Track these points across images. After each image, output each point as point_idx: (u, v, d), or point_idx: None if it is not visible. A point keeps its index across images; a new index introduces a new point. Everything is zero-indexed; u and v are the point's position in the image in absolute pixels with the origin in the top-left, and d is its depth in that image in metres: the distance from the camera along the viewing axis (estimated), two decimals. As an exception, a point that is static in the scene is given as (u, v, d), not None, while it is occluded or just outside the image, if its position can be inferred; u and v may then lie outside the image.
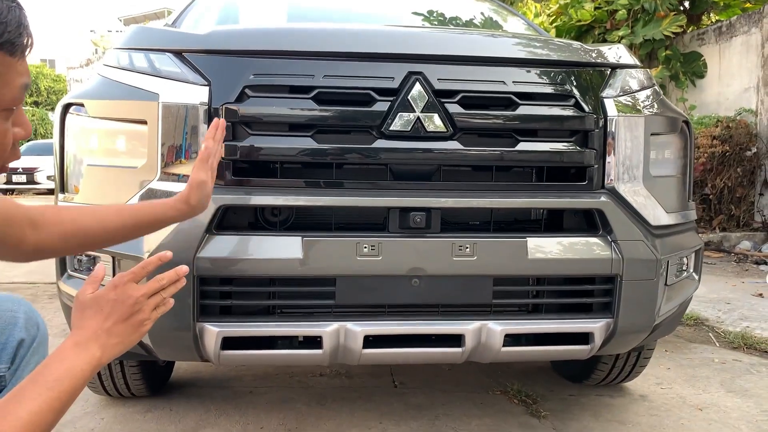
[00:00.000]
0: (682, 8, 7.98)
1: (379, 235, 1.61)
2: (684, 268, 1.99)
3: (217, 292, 1.61)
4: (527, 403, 2.40)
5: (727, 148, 6.36)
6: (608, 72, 1.89)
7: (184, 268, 1.08)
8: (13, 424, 0.82)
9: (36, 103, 29.56)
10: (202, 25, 2.71)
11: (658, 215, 1.82)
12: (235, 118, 1.60)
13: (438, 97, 1.64)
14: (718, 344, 3.26)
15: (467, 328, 1.66)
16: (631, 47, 7.99)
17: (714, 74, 7.39)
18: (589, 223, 1.76)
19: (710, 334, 3.43)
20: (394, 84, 1.63)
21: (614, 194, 1.75)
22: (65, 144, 1.82)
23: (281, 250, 1.57)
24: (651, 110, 1.89)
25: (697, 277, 2.06)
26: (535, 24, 3.30)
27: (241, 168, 1.63)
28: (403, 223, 1.62)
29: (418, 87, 1.63)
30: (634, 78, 1.94)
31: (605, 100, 1.78)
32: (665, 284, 1.84)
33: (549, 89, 1.73)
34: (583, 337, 1.74)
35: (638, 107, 1.85)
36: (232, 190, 1.60)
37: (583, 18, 8.36)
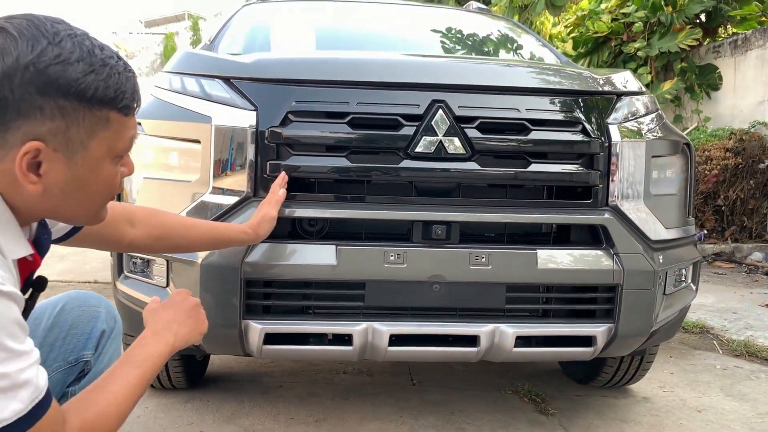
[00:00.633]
0: (698, 21, 8.10)
1: (404, 245, 1.81)
2: (682, 279, 2.17)
3: (261, 293, 1.82)
4: (536, 401, 2.58)
5: (740, 160, 6.48)
6: (614, 98, 2.07)
7: None
8: (109, 397, 1.02)
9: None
10: (237, 46, 2.93)
11: (657, 230, 2.00)
12: (279, 140, 1.81)
13: (458, 123, 1.84)
14: (721, 351, 3.42)
15: (482, 329, 1.85)
16: (646, 59, 8.14)
17: (729, 87, 7.51)
18: (594, 237, 1.95)
19: (714, 341, 3.58)
20: (420, 111, 1.83)
21: (617, 211, 1.93)
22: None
23: (317, 256, 1.78)
24: (653, 134, 2.07)
25: (694, 288, 2.24)
26: (548, 44, 3.49)
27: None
28: (425, 235, 1.82)
29: (440, 113, 1.83)
30: (638, 104, 2.12)
31: (610, 126, 1.97)
32: (663, 293, 2.02)
33: (559, 116, 1.92)
34: (587, 340, 1.92)
35: (641, 132, 2.04)
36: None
37: (599, 30, 8.51)
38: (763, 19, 7.99)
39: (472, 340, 1.87)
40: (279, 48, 2.83)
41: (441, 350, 1.89)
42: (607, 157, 1.94)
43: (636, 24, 7.95)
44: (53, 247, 1.25)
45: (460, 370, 2.96)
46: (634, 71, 8.26)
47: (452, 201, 1.87)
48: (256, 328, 1.78)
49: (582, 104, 1.98)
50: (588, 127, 1.93)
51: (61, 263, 5.48)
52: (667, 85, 7.81)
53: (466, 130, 1.84)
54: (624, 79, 2.19)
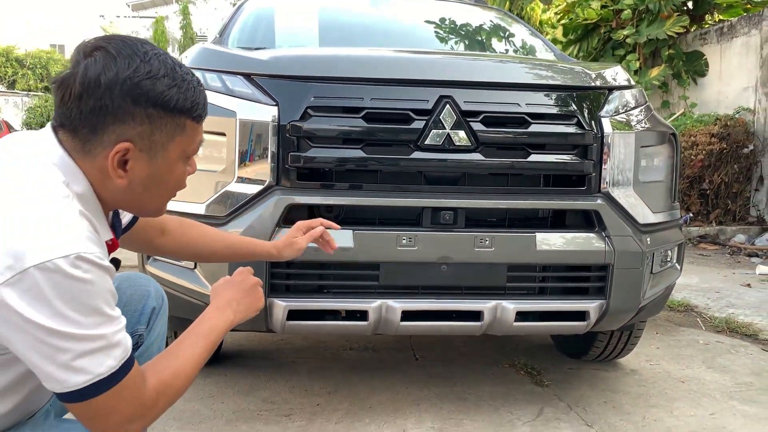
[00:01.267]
0: (685, 8, 8.27)
1: (415, 229, 1.98)
2: (668, 259, 2.35)
3: (284, 274, 1.98)
4: (532, 374, 2.77)
5: (725, 145, 6.69)
6: (606, 92, 2.24)
7: None
8: (181, 361, 1.18)
9: (46, 89, 29.95)
10: (248, 39, 3.06)
11: (645, 215, 2.18)
12: (299, 134, 1.96)
13: (464, 117, 2.00)
14: (704, 328, 3.63)
15: (485, 306, 2.03)
16: (635, 46, 8.31)
17: (715, 73, 7.70)
18: (587, 221, 2.12)
19: (698, 319, 3.79)
20: (429, 106, 1.99)
21: (608, 198, 2.11)
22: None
23: (337, 239, 1.94)
24: (642, 126, 2.24)
25: (679, 267, 2.43)
26: (539, 34, 3.64)
27: (303, 174, 2.00)
28: (434, 220, 1.99)
29: (448, 108, 1.99)
30: (628, 97, 2.29)
31: (603, 118, 2.14)
32: (651, 272, 2.20)
33: (556, 110, 2.09)
34: (581, 315, 2.11)
35: (631, 123, 2.21)
36: (297, 192, 1.97)
37: (589, 17, 8.67)
38: (749, 6, 8.17)
39: (476, 316, 2.05)
40: (288, 42, 2.97)
41: (448, 324, 2.06)
42: (599, 147, 2.11)
43: (625, 11, 8.10)
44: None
45: (460, 345, 3.15)
46: (623, 58, 8.43)
47: (458, 189, 2.04)
48: (281, 305, 1.95)
49: (577, 99, 2.14)
50: (582, 120, 2.10)
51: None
52: (655, 72, 7.99)
53: (471, 123, 2.00)
54: (615, 73, 2.36)
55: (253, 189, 1.99)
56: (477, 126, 2.01)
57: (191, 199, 2.05)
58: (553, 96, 2.12)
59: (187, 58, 2.30)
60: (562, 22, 9.44)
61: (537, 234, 2.05)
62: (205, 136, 2.07)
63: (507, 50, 3.37)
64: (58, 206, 1.01)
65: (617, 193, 2.13)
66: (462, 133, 2.00)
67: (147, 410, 1.09)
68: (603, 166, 2.11)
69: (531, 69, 2.27)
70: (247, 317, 1.35)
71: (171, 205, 2.12)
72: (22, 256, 0.94)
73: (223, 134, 2.02)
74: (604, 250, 2.07)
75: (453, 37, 3.40)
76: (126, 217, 1.40)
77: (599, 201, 2.10)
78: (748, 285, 4.57)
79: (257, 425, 2.24)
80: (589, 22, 8.76)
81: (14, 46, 30.08)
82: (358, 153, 1.97)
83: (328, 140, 1.99)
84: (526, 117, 2.05)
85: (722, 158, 6.75)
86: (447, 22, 3.48)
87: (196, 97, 1.12)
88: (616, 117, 2.18)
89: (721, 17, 8.45)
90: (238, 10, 3.39)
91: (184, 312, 2.07)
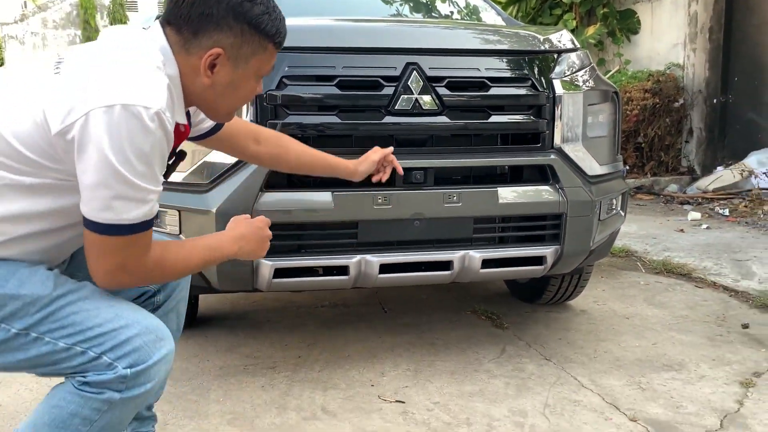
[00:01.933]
0: (618, -33, 8.54)
1: (389, 189, 2.14)
2: (613, 207, 2.59)
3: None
4: (492, 319, 3.01)
5: (657, 100, 7.05)
6: (556, 56, 2.43)
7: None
8: (183, 253, 1.36)
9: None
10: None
11: (593, 167, 2.40)
12: (276, 102, 2.08)
13: (430, 82, 2.16)
14: (644, 270, 3.95)
15: (455, 255, 2.22)
16: (571, 5, 8.57)
17: (647, 31, 8.04)
18: (542, 175, 2.33)
19: (638, 263, 4.11)
20: (397, 72, 2.14)
21: (560, 153, 2.32)
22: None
23: (316, 201, 2.09)
24: (588, 85, 2.45)
25: (623, 214, 2.68)
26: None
27: (282, 140, 2.12)
28: (406, 179, 2.15)
29: (415, 74, 2.14)
30: (575, 59, 2.49)
31: (554, 80, 2.33)
32: (599, 219, 2.44)
33: (512, 74, 2.27)
34: (539, 260, 2.33)
35: (578, 84, 2.41)
36: (277, 157, 2.09)
37: (528, -23, 8.85)
38: (677, -35, 8.50)
39: (446, 265, 2.24)
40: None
41: (422, 275, 2.25)
42: (552, 107, 2.31)
43: (561, -29, 8.32)
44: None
45: (424, 298, 3.36)
46: (560, 17, 8.68)
47: (427, 150, 2.21)
48: (267, 264, 2.09)
49: (530, 62, 2.33)
50: (536, 82, 2.29)
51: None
52: (591, 30, 8.28)
53: (436, 88, 2.16)
54: (562, 36, 2.55)
55: (231, 158, 2.09)
56: (442, 90, 2.17)
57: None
58: (510, 60, 2.30)
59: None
60: (502, -18, 9.59)
61: (498, 189, 2.24)
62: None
63: (453, 13, 3.51)
64: (152, 73, 1.22)
65: (568, 149, 2.34)
66: (428, 98, 2.15)
67: (140, 270, 1.27)
68: (555, 124, 2.31)
69: (489, 35, 2.43)
70: (247, 257, 1.51)
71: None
72: (115, 95, 1.14)
73: (203, 105, 2.11)
74: (558, 201, 2.28)
75: (400, 1, 3.51)
76: (209, 122, 1.61)
77: (552, 156, 2.30)
78: (682, 230, 4.93)
79: (245, 378, 2.40)
80: (527, -18, 8.95)
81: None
82: (333, 119, 2.11)
83: (304, 107, 2.11)
84: (486, 81, 2.22)
85: (655, 112, 7.11)
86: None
87: (281, 28, 1.34)
88: (565, 78, 2.37)
89: (651, -24, 8.77)
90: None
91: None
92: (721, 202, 5.96)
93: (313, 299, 3.35)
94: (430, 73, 2.16)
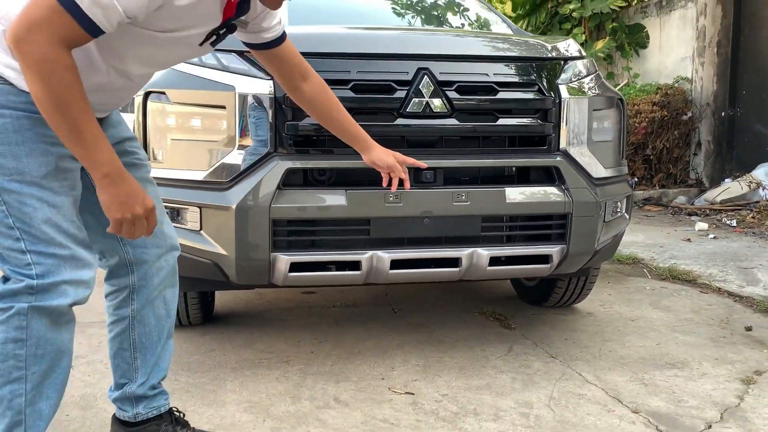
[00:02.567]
0: (627, -17, 8.66)
1: (400, 188, 2.23)
2: (618, 209, 2.67)
3: (286, 231, 2.22)
4: (500, 319, 3.08)
5: (666, 113, 7.13)
6: (562, 63, 2.53)
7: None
8: (76, 100, 1.27)
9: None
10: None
11: (598, 170, 2.49)
12: (294, 105, 2.17)
13: (440, 86, 2.26)
14: (650, 276, 4.01)
15: (463, 253, 2.31)
16: (581, 20, 8.69)
17: (655, 45, 8.13)
18: (548, 176, 2.42)
19: (644, 269, 4.18)
20: (409, 77, 2.24)
21: (566, 155, 2.41)
22: (148, 123, 2.36)
23: (331, 199, 2.19)
24: (593, 92, 2.54)
25: (627, 217, 2.76)
26: (494, 8, 3.89)
27: (299, 141, 2.22)
28: (417, 179, 2.25)
29: (426, 79, 2.25)
30: (580, 66, 2.58)
31: (560, 85, 2.42)
32: (603, 221, 2.52)
33: (520, 79, 2.37)
34: (545, 258, 2.41)
35: (584, 90, 2.50)
36: (294, 158, 2.20)
37: (537, -9, 8.98)
38: (686, -20, 8.61)
39: (455, 262, 2.33)
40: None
41: (431, 271, 2.34)
42: (558, 111, 2.40)
43: (570, -14, 8.45)
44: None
45: (433, 299, 3.44)
46: (569, 31, 8.80)
47: (437, 151, 2.31)
48: (283, 259, 2.19)
49: (537, 68, 2.43)
50: (542, 87, 2.39)
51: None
52: (600, 44, 8.39)
53: (446, 92, 2.26)
54: (569, 45, 2.65)
55: (253, 156, 2.20)
56: (452, 94, 2.27)
57: (196, 167, 2.26)
58: (517, 66, 2.40)
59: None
60: (512, -3, 9.72)
61: (506, 189, 2.33)
62: (207, 110, 2.29)
63: (464, 25, 3.62)
64: None
65: (574, 151, 2.43)
66: (439, 101, 2.25)
67: (37, 50, 1.21)
68: (561, 128, 2.40)
69: (498, 43, 2.54)
70: (99, 195, 1.37)
71: (174, 173, 2.32)
72: None
73: (223, 107, 2.22)
74: (564, 201, 2.37)
75: (411, 13, 3.62)
76: (272, 33, 1.69)
77: (559, 158, 2.39)
78: (688, 240, 4.99)
79: (260, 371, 2.49)
80: (537, -4, 9.08)
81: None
82: (348, 121, 2.20)
83: (321, 110, 2.21)
84: (494, 85, 2.32)
85: (663, 125, 7.18)
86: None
87: None
88: (571, 84, 2.47)
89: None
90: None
91: (192, 272, 2.29)
92: (729, 213, 6.01)
93: (325, 300, 3.43)
94: (440, 77, 2.26)
